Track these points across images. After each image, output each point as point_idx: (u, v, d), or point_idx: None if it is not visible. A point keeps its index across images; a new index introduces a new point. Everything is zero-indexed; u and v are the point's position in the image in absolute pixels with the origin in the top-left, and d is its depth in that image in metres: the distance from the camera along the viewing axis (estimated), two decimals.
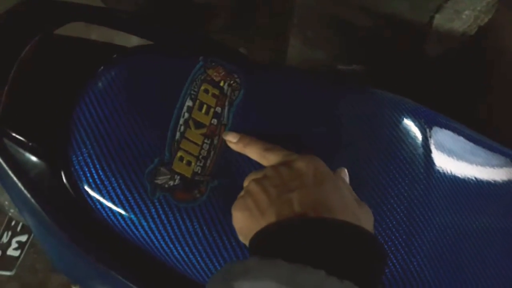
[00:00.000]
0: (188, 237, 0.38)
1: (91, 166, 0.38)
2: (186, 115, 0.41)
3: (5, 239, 0.64)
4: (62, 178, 0.38)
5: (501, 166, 0.50)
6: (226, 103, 0.44)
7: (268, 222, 0.30)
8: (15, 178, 0.38)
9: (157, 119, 0.41)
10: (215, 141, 0.41)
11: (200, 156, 0.40)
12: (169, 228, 0.38)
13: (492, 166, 0.49)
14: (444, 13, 0.66)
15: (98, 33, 0.83)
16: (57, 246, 0.43)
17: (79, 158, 0.38)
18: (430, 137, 0.45)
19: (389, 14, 0.68)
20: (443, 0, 0.64)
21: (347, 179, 0.37)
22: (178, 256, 0.38)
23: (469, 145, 0.49)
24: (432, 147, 0.45)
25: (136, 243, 0.39)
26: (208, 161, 0.40)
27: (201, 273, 0.39)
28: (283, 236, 0.28)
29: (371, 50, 0.77)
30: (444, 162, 0.45)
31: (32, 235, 0.67)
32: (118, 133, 0.39)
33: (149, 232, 0.38)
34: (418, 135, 0.45)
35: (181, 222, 0.38)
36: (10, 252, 0.64)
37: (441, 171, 0.44)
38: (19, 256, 0.64)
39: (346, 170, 0.37)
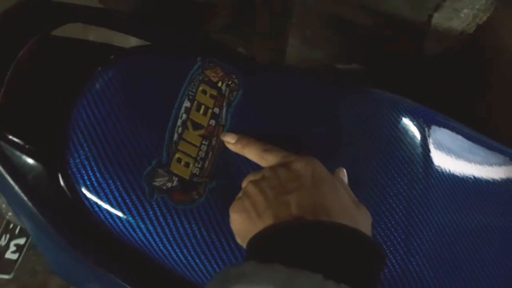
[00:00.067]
0: (186, 239, 0.38)
1: (89, 168, 0.38)
2: (184, 116, 0.41)
3: (3, 242, 0.64)
4: (59, 181, 0.38)
5: (500, 164, 0.50)
6: (224, 104, 0.43)
7: (266, 225, 0.30)
8: (11, 181, 0.38)
9: (155, 120, 0.40)
10: (213, 142, 0.41)
11: (198, 158, 0.40)
12: (167, 230, 0.37)
13: (491, 164, 0.49)
14: (443, 12, 0.66)
15: (96, 34, 0.82)
16: (54, 249, 0.43)
17: (76, 161, 0.38)
18: (429, 136, 0.45)
19: (388, 13, 0.68)
20: None
21: (345, 179, 0.37)
22: (176, 258, 0.38)
23: (467, 144, 0.49)
24: (431, 147, 0.45)
25: (134, 245, 0.39)
26: (206, 163, 0.40)
27: (199, 275, 0.38)
28: (280, 239, 0.28)
29: (370, 49, 0.77)
30: (443, 161, 0.45)
31: (31, 237, 0.66)
32: (116, 134, 0.39)
33: (147, 234, 0.38)
34: (417, 135, 0.45)
35: (179, 224, 0.38)
36: (8, 255, 0.64)
37: (440, 170, 0.44)
38: (17, 259, 0.64)
39: (344, 170, 0.37)
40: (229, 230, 0.36)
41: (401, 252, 0.39)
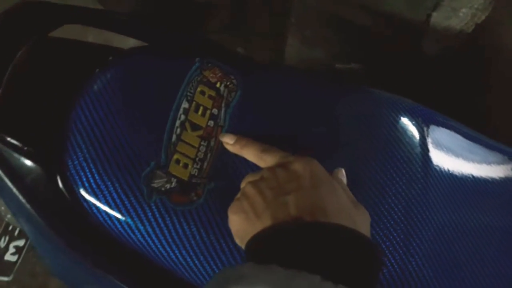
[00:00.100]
0: (185, 240, 0.38)
1: (87, 170, 0.38)
2: (183, 117, 0.41)
3: (2, 244, 0.64)
4: (57, 183, 0.38)
5: (499, 163, 0.50)
6: (223, 105, 0.43)
7: (264, 225, 0.30)
8: (9, 183, 0.38)
9: (153, 121, 0.40)
10: (212, 143, 0.41)
11: (197, 159, 0.40)
12: (166, 231, 0.37)
13: (490, 164, 0.49)
14: (441, 11, 0.66)
15: (95, 35, 0.82)
16: (53, 251, 0.43)
17: (74, 162, 0.38)
18: (427, 136, 0.45)
19: (387, 12, 0.68)
20: None
21: (344, 179, 0.37)
22: (175, 260, 0.38)
23: (466, 143, 0.49)
24: (430, 146, 0.45)
25: (133, 247, 0.39)
26: (205, 164, 0.40)
27: (198, 276, 0.38)
28: (278, 240, 0.28)
29: (369, 49, 0.77)
30: (442, 160, 0.45)
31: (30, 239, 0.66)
32: (114, 136, 0.39)
33: (146, 235, 0.38)
34: (416, 134, 0.45)
35: (178, 226, 0.38)
36: (8, 257, 0.63)
37: (438, 169, 0.44)
38: (16, 261, 0.63)
39: (343, 171, 0.37)
40: (228, 231, 0.36)
41: (400, 252, 0.39)
